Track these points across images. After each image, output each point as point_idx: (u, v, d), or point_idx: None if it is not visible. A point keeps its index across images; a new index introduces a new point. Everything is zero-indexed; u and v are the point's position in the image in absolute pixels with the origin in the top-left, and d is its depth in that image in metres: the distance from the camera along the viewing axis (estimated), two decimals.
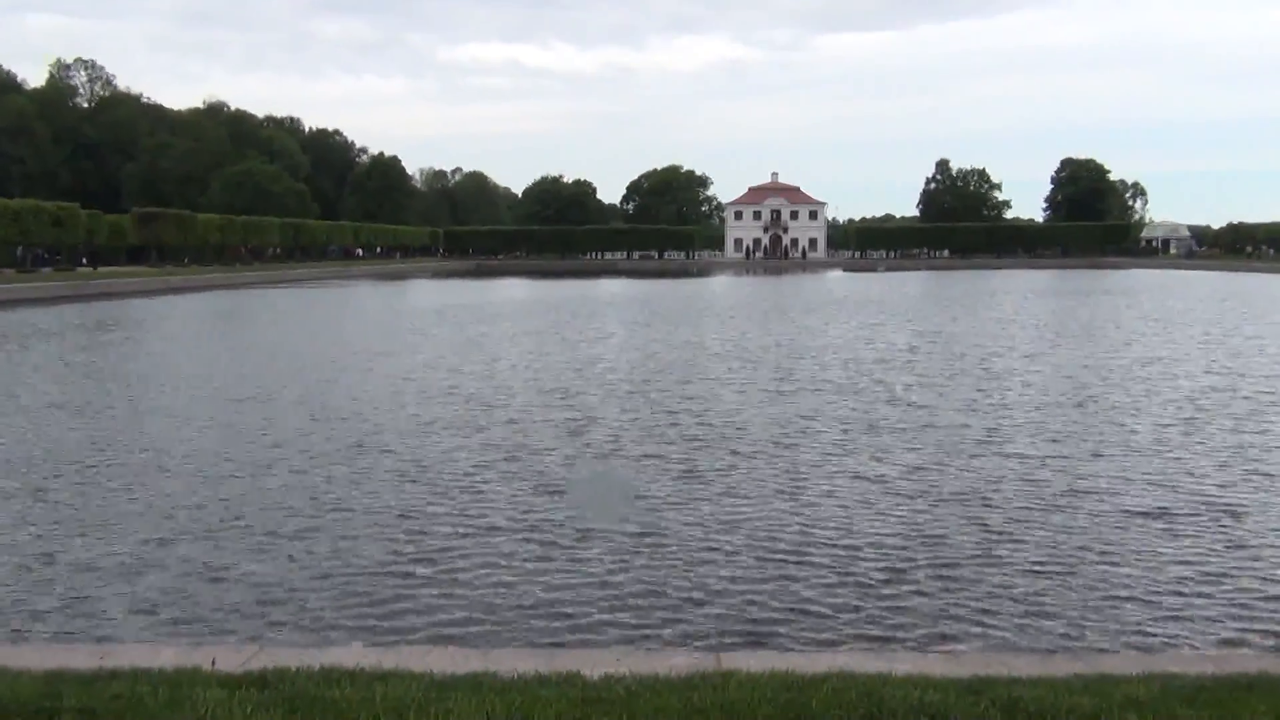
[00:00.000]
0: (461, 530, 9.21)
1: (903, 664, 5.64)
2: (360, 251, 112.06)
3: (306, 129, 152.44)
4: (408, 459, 12.20)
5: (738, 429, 14.11)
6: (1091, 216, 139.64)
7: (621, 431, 13.95)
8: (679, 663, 5.62)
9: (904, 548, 8.65)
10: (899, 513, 9.74)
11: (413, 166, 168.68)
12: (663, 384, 18.66)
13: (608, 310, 41.40)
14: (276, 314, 41.15)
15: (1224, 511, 9.72)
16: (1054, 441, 13.16)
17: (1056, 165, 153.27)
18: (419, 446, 12.93)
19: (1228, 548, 8.64)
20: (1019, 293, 54.46)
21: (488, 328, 32.33)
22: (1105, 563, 8.27)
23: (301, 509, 9.98)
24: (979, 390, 17.79)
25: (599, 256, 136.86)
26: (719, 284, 74.58)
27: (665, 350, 24.72)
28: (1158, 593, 7.60)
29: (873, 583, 7.82)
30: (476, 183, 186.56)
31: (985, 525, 9.30)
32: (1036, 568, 8.15)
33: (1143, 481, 10.95)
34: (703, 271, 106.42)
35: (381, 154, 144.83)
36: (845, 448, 12.78)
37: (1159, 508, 9.88)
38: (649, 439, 13.43)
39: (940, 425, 14.30)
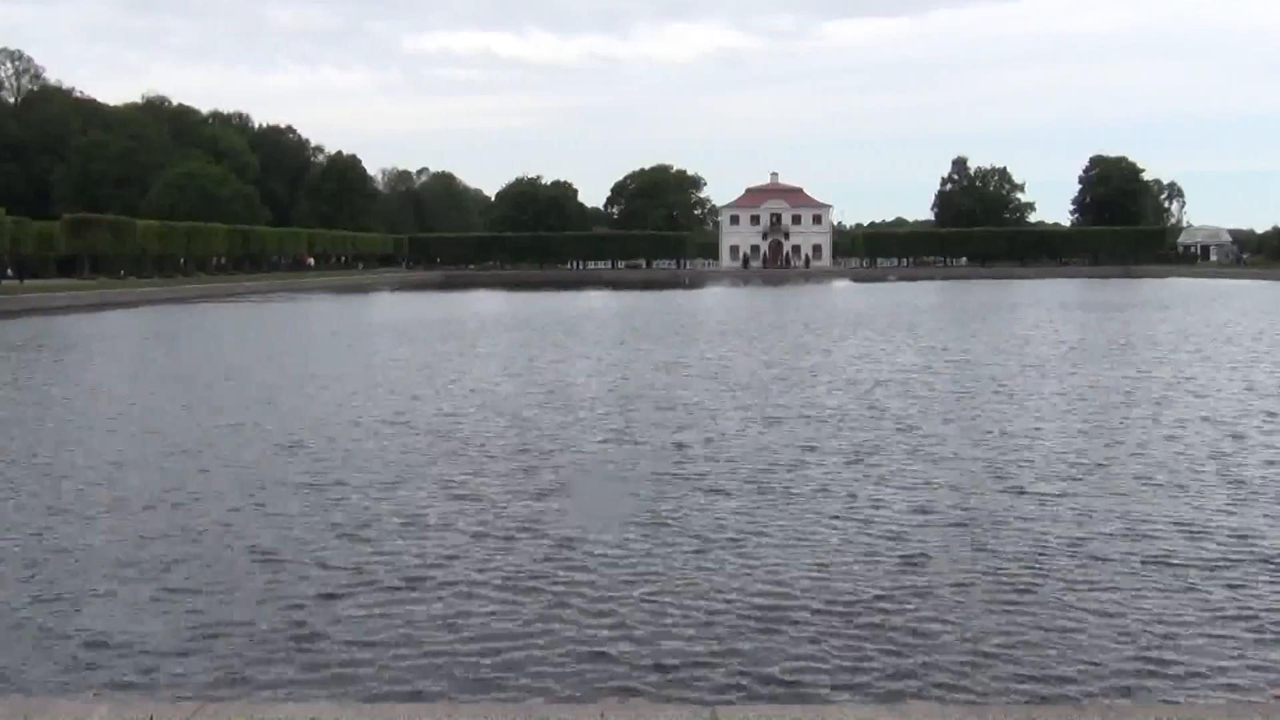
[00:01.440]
0: (401, 577, 9.10)
1: (919, 718, 5.57)
2: (312, 261, 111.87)
3: (256, 125, 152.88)
4: (345, 496, 12.07)
5: (713, 461, 14.02)
6: (1124, 220, 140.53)
7: (585, 466, 13.84)
8: (671, 717, 5.53)
9: (890, 598, 8.55)
10: (889, 558, 9.62)
11: (374, 167, 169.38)
12: (637, 410, 18.56)
13: (587, 326, 41.35)
14: (219, 332, 40.97)
15: (1264, 559, 9.64)
16: (1069, 475, 13.05)
17: (1085, 164, 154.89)
18: (358, 483, 12.79)
19: (1269, 604, 8.56)
20: (1044, 305, 54.56)
21: (451, 346, 32.24)
22: (1123, 617, 8.19)
23: (217, 554, 9.80)
24: (991, 417, 17.73)
25: (580, 265, 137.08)
26: (712, 296, 74.63)
27: (644, 372, 24.64)
28: (1195, 653, 7.52)
29: (848, 644, 7.73)
30: (445, 185, 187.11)
31: (989, 571, 9.19)
32: (1044, 622, 8.05)
33: (1167, 522, 10.87)
34: (695, 282, 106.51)
35: (339, 153, 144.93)
36: (835, 483, 12.68)
37: (1185, 553, 9.80)
38: (614, 474, 13.33)
39: (944, 457, 14.20)
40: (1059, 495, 12.02)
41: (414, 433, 16.43)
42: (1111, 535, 10.35)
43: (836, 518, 11.05)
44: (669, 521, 10.95)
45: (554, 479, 13.08)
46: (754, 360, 27.36)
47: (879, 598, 8.61)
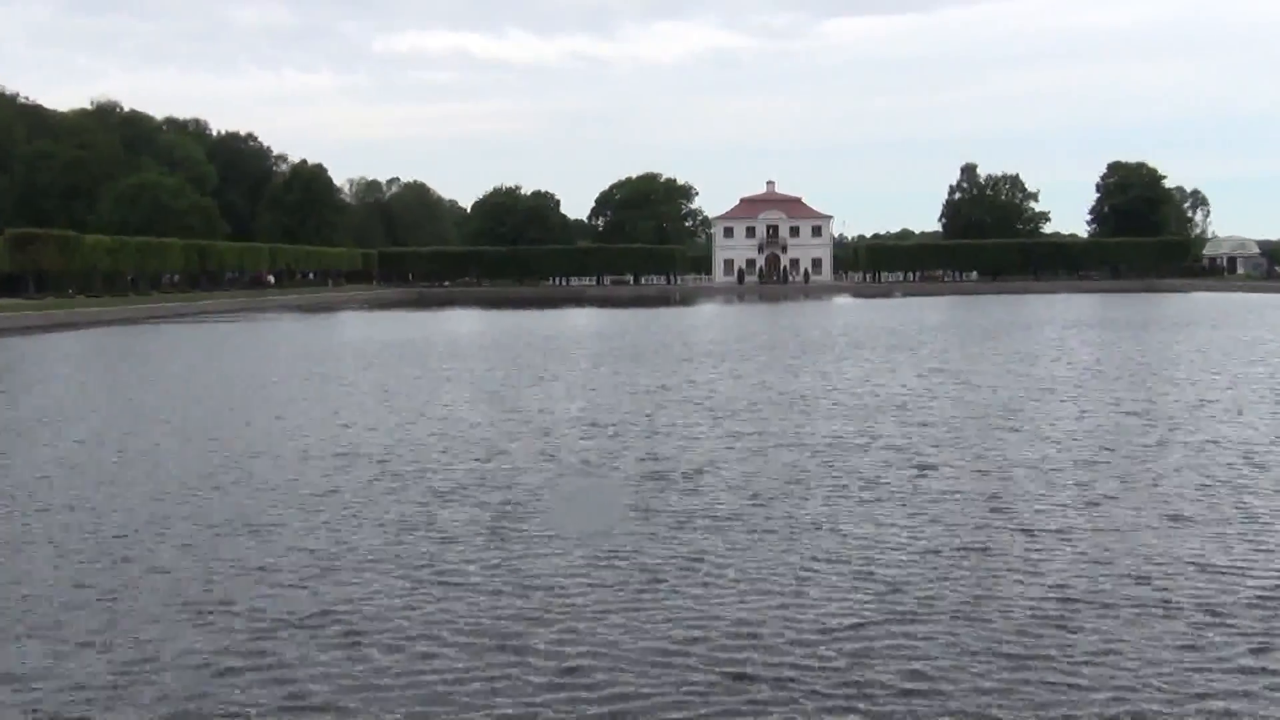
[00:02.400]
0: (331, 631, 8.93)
1: None
2: (272, 279, 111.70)
3: (214, 133, 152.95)
4: (291, 543, 11.93)
5: (691, 492, 13.93)
6: (1144, 230, 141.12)
7: (550, 503, 13.74)
8: None
9: (870, 649, 8.41)
10: (875, 603, 9.49)
11: (341, 177, 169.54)
12: (612, 438, 18.46)
13: (568, 348, 41.25)
14: (171, 355, 40.79)
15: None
16: (1073, 505, 12.97)
17: (1103, 171, 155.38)
18: (306, 528, 12.67)
19: None
20: (1058, 323, 54.67)
21: (419, 369, 32.14)
22: (1133, 665, 8.04)
23: (141, 607, 9.63)
24: (994, 446, 17.63)
25: (563, 282, 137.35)
26: (704, 314, 74.71)
27: (625, 399, 24.55)
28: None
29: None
30: (417, 195, 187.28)
31: (990, 614, 9.09)
32: (1048, 674, 7.90)
33: (1183, 563, 10.75)
34: (686, 299, 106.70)
35: (304, 162, 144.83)
36: (822, 516, 12.54)
37: (1203, 596, 9.67)
38: (581, 511, 13.23)
39: (945, 490, 14.11)
40: (1066, 531, 11.91)
41: (368, 467, 16.27)
42: (1123, 577, 10.22)
43: (823, 555, 10.92)
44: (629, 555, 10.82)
45: (513, 513, 12.94)
46: (746, 383, 27.27)
47: (867, 643, 8.47)
